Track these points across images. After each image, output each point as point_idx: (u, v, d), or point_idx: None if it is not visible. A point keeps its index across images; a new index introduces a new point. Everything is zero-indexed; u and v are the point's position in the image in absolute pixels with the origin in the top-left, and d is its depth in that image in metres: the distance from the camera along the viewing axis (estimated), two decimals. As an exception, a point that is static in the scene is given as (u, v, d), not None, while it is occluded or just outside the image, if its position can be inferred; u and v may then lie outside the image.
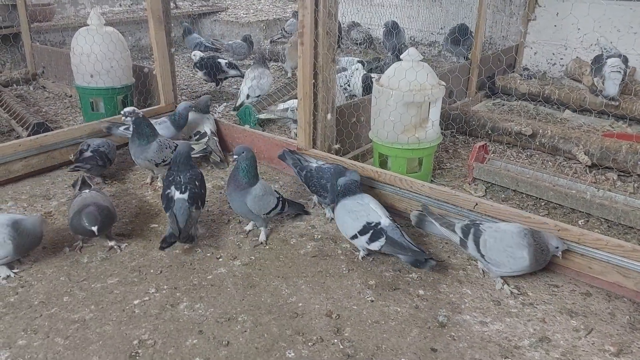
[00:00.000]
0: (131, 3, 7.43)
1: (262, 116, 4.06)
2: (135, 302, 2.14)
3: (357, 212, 2.43)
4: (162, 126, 3.33)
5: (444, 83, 3.05)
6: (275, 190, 2.70)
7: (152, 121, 3.20)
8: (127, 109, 3.00)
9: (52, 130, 3.52)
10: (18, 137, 3.75)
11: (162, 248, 2.44)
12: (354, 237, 2.42)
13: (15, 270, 2.30)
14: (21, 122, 3.82)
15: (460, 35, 5.26)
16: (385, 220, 2.38)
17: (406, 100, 2.89)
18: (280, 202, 2.65)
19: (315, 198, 2.93)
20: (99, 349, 1.87)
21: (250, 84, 4.30)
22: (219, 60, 5.00)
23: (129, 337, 1.94)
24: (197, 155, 3.34)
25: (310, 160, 2.92)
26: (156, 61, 3.82)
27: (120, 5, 7.30)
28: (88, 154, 3.06)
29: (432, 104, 2.98)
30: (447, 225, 2.42)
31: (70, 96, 4.85)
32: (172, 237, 2.44)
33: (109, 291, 2.19)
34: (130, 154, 3.08)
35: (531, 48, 5.56)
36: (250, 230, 2.70)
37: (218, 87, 5.13)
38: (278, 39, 7.03)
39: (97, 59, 3.74)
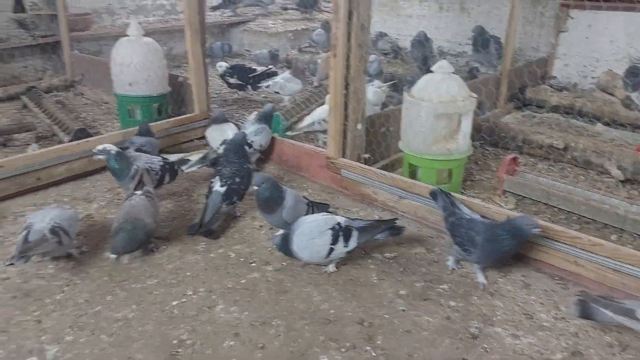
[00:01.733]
0: (164, 13, 7.63)
1: (291, 134, 4.08)
2: (174, 303, 2.21)
3: (316, 229, 2.37)
4: (265, 133, 3.51)
5: (475, 95, 3.08)
6: (303, 197, 2.75)
7: (249, 130, 3.41)
8: (98, 148, 2.85)
9: (91, 136, 3.65)
10: (60, 142, 3.90)
11: (189, 234, 2.70)
12: (330, 252, 2.36)
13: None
14: (62, 128, 3.97)
15: (482, 47, 5.29)
16: (338, 218, 2.44)
17: (437, 112, 2.93)
18: (310, 207, 2.70)
19: (454, 251, 2.49)
20: (142, 347, 1.95)
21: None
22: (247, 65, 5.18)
23: (168, 336, 2.01)
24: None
25: (461, 207, 2.57)
26: (191, 71, 3.93)
27: (154, 15, 7.49)
28: (134, 153, 3.15)
29: (463, 115, 3.01)
30: (624, 312, 2.01)
31: (107, 102, 5.01)
32: (193, 229, 2.68)
33: (149, 292, 2.28)
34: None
35: (562, 60, 5.53)
36: None
37: (247, 91, 5.21)
38: (306, 47, 7.13)
39: (136, 69, 3.88)
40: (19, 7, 5.61)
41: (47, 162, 3.16)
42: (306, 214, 2.62)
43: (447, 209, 2.54)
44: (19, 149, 3.90)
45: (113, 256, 2.32)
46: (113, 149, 2.82)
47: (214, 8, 7.75)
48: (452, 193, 2.65)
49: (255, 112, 3.74)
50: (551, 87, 5.16)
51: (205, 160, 3.28)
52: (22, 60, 5.64)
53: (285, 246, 2.39)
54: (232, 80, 5.10)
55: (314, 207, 2.74)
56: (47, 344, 1.96)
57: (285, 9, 8.29)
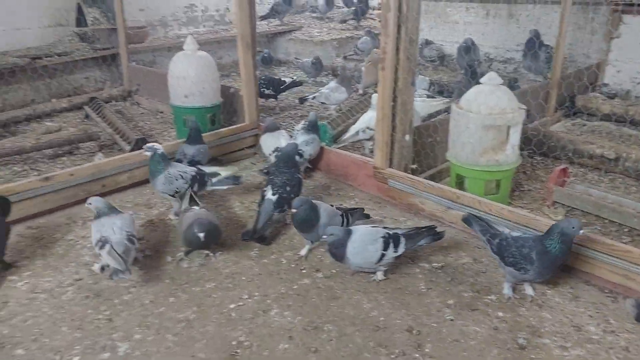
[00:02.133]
0: (214, 24, 7.90)
1: (336, 146, 4.14)
2: (231, 306, 2.35)
3: (369, 238, 2.47)
4: (315, 143, 3.64)
5: (524, 107, 3.09)
6: (336, 207, 2.82)
7: (300, 139, 3.56)
8: (148, 145, 3.06)
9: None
10: (120, 150, 4.15)
11: (243, 239, 2.85)
12: (382, 257, 2.46)
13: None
14: (123, 137, 4.22)
15: (528, 49, 5.23)
16: (387, 229, 2.55)
17: (486, 123, 2.97)
18: (344, 217, 2.78)
19: (508, 275, 2.41)
20: (204, 347, 2.09)
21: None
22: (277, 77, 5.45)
23: (228, 338, 2.15)
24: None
25: (498, 227, 2.52)
26: (243, 83, 4.10)
27: (204, 26, 7.78)
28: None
29: (512, 127, 3.03)
30: None
31: (162, 112, 5.27)
32: (246, 235, 2.84)
33: (208, 295, 2.42)
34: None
35: (614, 66, 5.40)
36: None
37: (276, 100, 5.39)
38: (350, 55, 7.23)
39: (191, 82, 4.08)
40: (81, 22, 5.95)
41: (111, 171, 3.38)
42: (341, 225, 2.72)
43: (486, 232, 2.49)
44: (84, 156, 4.17)
45: (201, 234, 2.50)
46: (160, 149, 3.04)
47: (262, 17, 7.97)
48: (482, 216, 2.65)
49: (303, 122, 3.86)
50: (602, 94, 5.05)
51: (232, 180, 3.25)
52: (83, 72, 5.99)
53: (339, 250, 2.47)
54: (268, 92, 5.27)
55: (349, 214, 2.83)
56: (118, 341, 2.13)
57: (344, 21, 8.37)
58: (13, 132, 4.67)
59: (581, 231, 2.26)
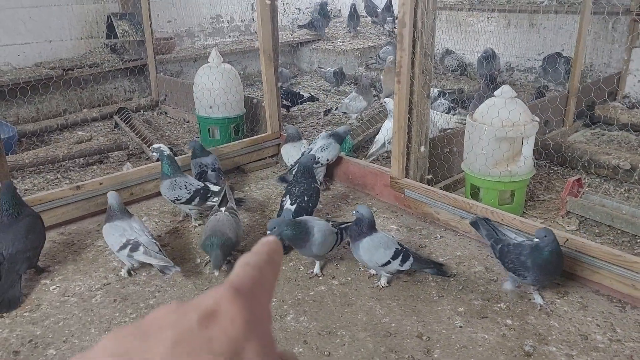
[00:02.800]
0: (239, 34, 8.10)
1: (366, 162, 4.20)
2: (249, 311, 2.47)
3: (385, 243, 2.60)
4: (330, 148, 3.69)
5: (537, 119, 3.15)
6: (332, 224, 2.81)
7: (317, 145, 3.66)
8: (154, 146, 3.23)
9: (176, 154, 4.03)
10: (148, 159, 4.34)
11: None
12: (386, 263, 2.58)
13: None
14: (151, 147, 4.40)
15: (549, 66, 5.25)
16: (402, 246, 2.66)
17: (499, 135, 3.03)
18: (338, 234, 2.78)
19: (509, 281, 2.56)
20: (222, 349, 2.21)
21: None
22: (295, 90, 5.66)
23: (245, 341, 2.26)
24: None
25: (505, 232, 2.65)
26: (265, 94, 4.25)
27: (230, 36, 7.98)
28: (212, 173, 3.48)
29: (525, 139, 3.09)
30: None
31: (188, 121, 5.45)
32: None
33: (227, 300, 2.55)
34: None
35: (635, 76, 5.37)
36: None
37: (289, 111, 5.55)
38: (372, 64, 7.33)
39: (216, 93, 4.24)
40: (111, 34, 6.20)
41: (139, 179, 3.55)
42: (336, 242, 2.74)
43: (491, 236, 2.62)
44: (113, 165, 4.36)
45: (216, 272, 2.62)
46: (166, 150, 3.21)
47: (300, 27, 8.19)
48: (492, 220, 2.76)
49: (329, 128, 3.98)
50: (622, 104, 5.03)
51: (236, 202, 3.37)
52: (113, 82, 6.23)
53: (357, 235, 2.61)
54: (285, 102, 5.43)
55: (342, 230, 2.80)
56: (143, 341, 2.26)
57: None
58: (46, 141, 4.92)
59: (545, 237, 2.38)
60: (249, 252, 0.44)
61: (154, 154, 3.23)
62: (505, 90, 3.10)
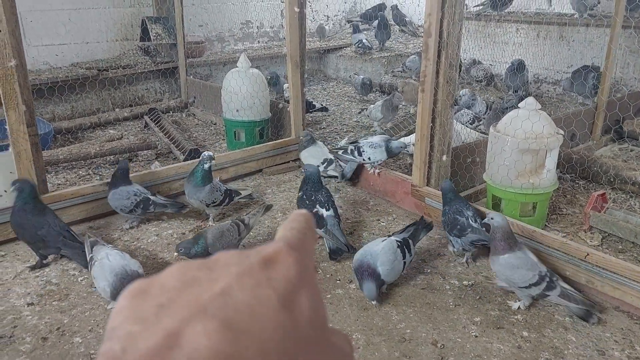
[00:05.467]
0: (268, 40, 8.23)
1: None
2: (268, 311, 2.52)
3: (390, 251, 2.58)
4: (377, 150, 3.70)
5: (561, 132, 3.14)
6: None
7: (367, 140, 3.72)
8: (208, 154, 3.30)
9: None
10: (175, 159, 4.45)
11: (333, 259, 2.95)
12: (404, 265, 2.64)
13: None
14: (178, 146, 4.53)
15: (574, 80, 5.20)
16: (394, 238, 2.69)
17: (522, 147, 3.03)
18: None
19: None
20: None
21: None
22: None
23: (262, 339, 2.32)
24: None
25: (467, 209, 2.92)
26: (291, 99, 4.32)
27: (259, 42, 8.12)
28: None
29: (549, 152, 3.08)
30: None
31: (215, 124, 5.57)
32: (338, 252, 2.94)
33: (247, 299, 2.61)
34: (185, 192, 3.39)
35: (668, 91, 5.28)
36: None
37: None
38: (399, 72, 7.35)
39: (243, 97, 4.34)
40: (145, 37, 6.38)
41: (166, 178, 3.66)
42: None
43: (446, 204, 2.98)
44: (142, 163, 4.49)
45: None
46: (212, 162, 3.31)
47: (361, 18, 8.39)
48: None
49: (352, 135, 4.03)
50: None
51: (248, 198, 3.68)
52: (145, 83, 6.40)
53: (376, 286, 2.51)
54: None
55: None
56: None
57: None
58: (80, 138, 5.09)
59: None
60: (289, 220, 0.48)
61: (212, 162, 3.33)
62: (529, 102, 3.10)
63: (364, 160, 3.73)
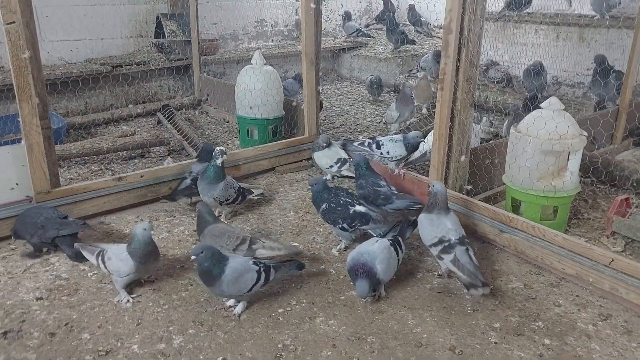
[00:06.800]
0: (281, 39, 8.17)
1: (407, 166, 4.12)
2: (279, 310, 2.46)
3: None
4: (397, 145, 3.56)
5: (585, 134, 3.04)
6: (254, 262, 2.48)
7: (387, 137, 3.65)
8: (220, 148, 3.24)
9: (214, 152, 4.08)
10: (187, 156, 4.41)
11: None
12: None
13: (133, 296, 2.55)
14: (190, 143, 4.48)
15: (601, 78, 5.06)
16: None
17: (544, 148, 2.94)
18: (260, 272, 2.44)
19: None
20: (251, 346, 2.21)
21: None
22: None
23: (274, 340, 2.25)
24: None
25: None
26: (305, 97, 4.26)
27: (272, 40, 8.07)
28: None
29: (572, 154, 2.98)
30: None
31: (228, 122, 5.52)
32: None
33: (258, 298, 2.55)
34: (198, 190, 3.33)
35: (692, 94, 5.13)
36: None
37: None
38: (413, 73, 7.26)
39: (257, 94, 4.28)
40: (159, 33, 6.35)
41: (178, 174, 3.60)
42: (256, 283, 2.40)
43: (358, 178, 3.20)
44: (154, 160, 4.45)
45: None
46: (224, 157, 3.25)
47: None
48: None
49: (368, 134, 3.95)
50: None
51: (260, 197, 3.65)
52: (158, 80, 6.38)
53: (369, 284, 2.45)
54: None
55: (270, 270, 2.47)
56: (174, 334, 2.28)
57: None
58: (93, 134, 5.07)
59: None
60: None
61: (225, 157, 3.25)
62: (552, 102, 3.01)
63: (381, 154, 3.60)
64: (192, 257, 2.35)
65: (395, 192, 3.20)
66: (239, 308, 2.43)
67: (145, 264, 2.51)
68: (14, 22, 2.79)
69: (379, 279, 2.50)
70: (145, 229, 2.50)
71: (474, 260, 2.55)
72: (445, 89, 3.11)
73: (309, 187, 3.16)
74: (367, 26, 8.93)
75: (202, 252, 2.33)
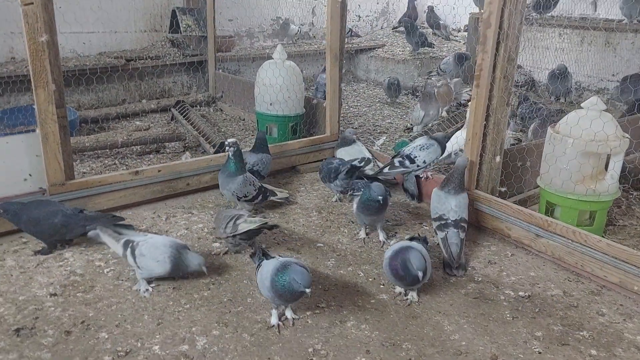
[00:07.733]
0: (297, 38, 8.06)
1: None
2: (308, 312, 2.31)
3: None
4: (431, 149, 3.38)
5: (628, 136, 2.89)
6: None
7: (411, 146, 3.43)
8: (230, 140, 3.11)
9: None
10: (204, 152, 4.28)
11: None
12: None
13: (152, 285, 2.47)
14: (208, 140, 4.35)
15: (632, 85, 4.92)
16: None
17: (587, 150, 2.79)
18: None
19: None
20: (280, 350, 2.07)
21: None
22: None
23: (304, 344, 2.11)
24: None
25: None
26: (328, 94, 4.12)
27: (290, 39, 7.95)
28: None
29: (614, 156, 2.84)
30: None
31: (243, 119, 5.40)
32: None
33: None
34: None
35: None
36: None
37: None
38: (433, 75, 7.13)
39: (279, 89, 4.15)
40: (175, 28, 6.25)
41: (197, 170, 3.48)
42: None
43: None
44: (169, 156, 4.33)
45: None
46: (237, 146, 3.11)
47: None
48: None
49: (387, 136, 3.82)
50: None
51: (285, 200, 3.48)
52: (172, 76, 6.26)
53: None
54: None
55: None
56: (197, 335, 2.14)
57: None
58: (104, 129, 4.95)
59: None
60: None
61: (233, 148, 3.07)
62: (594, 102, 2.86)
63: (418, 166, 3.40)
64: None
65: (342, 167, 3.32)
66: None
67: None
68: (32, 3, 2.67)
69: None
70: (199, 264, 2.48)
71: (460, 245, 2.71)
72: (482, 85, 2.97)
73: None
74: (393, 29, 8.87)
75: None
